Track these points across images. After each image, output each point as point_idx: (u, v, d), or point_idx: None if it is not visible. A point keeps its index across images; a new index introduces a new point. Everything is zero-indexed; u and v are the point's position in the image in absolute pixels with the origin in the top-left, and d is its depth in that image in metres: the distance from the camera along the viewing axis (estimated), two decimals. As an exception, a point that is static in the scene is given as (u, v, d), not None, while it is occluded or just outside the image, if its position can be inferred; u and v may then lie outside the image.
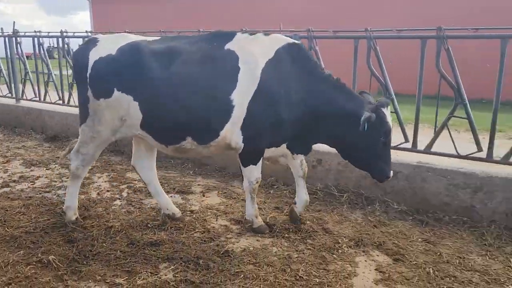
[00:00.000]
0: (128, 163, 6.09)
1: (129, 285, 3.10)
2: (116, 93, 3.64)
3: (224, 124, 3.60)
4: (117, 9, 19.63)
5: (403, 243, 3.82)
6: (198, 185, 5.25)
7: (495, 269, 3.42)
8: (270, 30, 4.66)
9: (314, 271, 3.33)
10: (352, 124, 3.50)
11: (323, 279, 3.21)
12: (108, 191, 5.00)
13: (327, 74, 3.72)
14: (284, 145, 3.87)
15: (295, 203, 4.18)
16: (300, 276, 3.25)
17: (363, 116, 3.42)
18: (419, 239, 3.90)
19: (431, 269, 3.38)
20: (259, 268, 3.34)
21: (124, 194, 4.92)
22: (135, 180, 5.31)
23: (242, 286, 3.09)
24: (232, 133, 3.64)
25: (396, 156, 4.75)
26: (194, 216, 4.31)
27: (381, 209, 4.51)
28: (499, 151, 4.35)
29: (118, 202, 4.68)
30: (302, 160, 4.10)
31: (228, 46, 3.67)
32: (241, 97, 3.54)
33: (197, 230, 3.99)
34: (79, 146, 3.91)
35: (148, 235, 3.84)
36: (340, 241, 3.81)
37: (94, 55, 3.72)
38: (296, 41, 3.81)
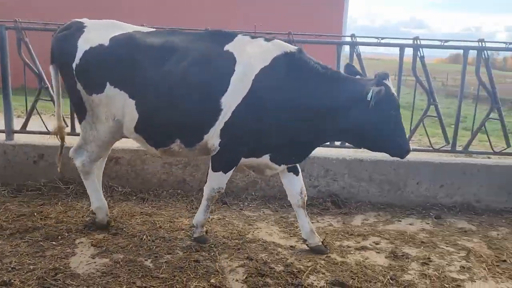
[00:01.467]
0: None
1: None
2: (109, 87, 3.45)
3: (210, 127, 3.48)
4: None
5: (124, 219, 4.22)
6: None
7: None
8: None
9: (28, 260, 3.34)
10: (362, 107, 3.33)
11: (38, 265, 3.26)
12: None
13: (323, 71, 3.49)
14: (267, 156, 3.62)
15: (304, 240, 3.85)
16: (12, 268, 3.21)
17: (370, 93, 3.25)
18: (139, 214, 4.39)
19: (145, 235, 3.87)
20: (-38, 270, 3.12)
21: None
22: None
23: None
24: (212, 135, 3.51)
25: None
26: None
27: (107, 193, 4.79)
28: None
29: None
30: (302, 187, 3.84)
31: (228, 47, 3.50)
32: (230, 101, 3.39)
33: None
34: (81, 143, 3.75)
35: None
36: (61, 229, 3.91)
37: (83, 44, 3.48)
38: (294, 49, 3.57)
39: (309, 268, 3.46)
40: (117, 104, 3.48)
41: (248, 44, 3.53)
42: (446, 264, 3.70)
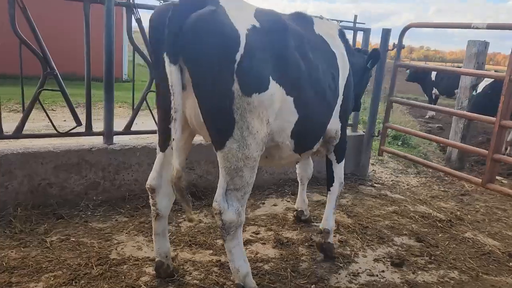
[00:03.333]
0: None
1: None
2: (272, 83, 2.46)
3: (332, 116, 3.18)
4: None
5: None
6: None
7: (33, 257, 3.03)
8: None
9: None
10: (365, 74, 3.81)
11: None
12: None
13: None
14: None
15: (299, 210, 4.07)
16: None
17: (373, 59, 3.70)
18: None
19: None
20: None
21: None
22: None
23: None
24: (333, 121, 3.21)
25: None
26: None
27: None
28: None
29: None
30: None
31: (316, 30, 3.10)
32: (341, 84, 3.18)
33: None
34: (228, 180, 2.50)
35: None
36: None
37: (240, 27, 2.31)
38: None
39: (203, 281, 2.91)
40: (276, 103, 2.55)
41: (323, 24, 3.27)
42: (327, 241, 3.72)
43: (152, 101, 4.51)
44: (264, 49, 2.42)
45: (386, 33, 5.15)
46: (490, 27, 3.93)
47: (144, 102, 4.14)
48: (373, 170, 6.02)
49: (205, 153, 4.47)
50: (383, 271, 3.31)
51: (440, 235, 4.06)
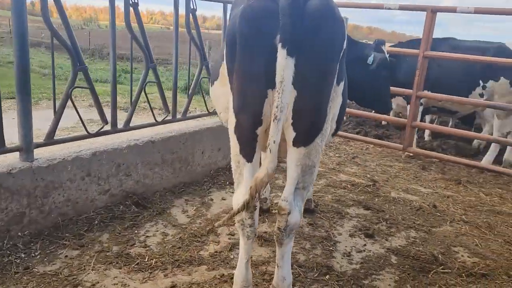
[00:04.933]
0: None
1: None
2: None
3: None
4: None
5: None
6: None
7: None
8: None
9: None
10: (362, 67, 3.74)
11: None
12: None
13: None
14: None
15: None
16: None
17: (372, 57, 3.72)
18: None
19: None
20: None
21: None
22: None
23: None
24: None
25: None
26: None
27: None
28: None
29: None
30: None
31: None
32: None
33: None
34: (300, 178, 2.26)
35: None
36: None
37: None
38: None
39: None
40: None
41: None
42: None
43: (81, 98, 3.63)
44: None
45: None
46: (402, 8, 4.38)
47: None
48: (279, 146, 6.17)
49: (142, 154, 3.84)
50: (365, 245, 3.50)
51: (376, 200, 4.49)
